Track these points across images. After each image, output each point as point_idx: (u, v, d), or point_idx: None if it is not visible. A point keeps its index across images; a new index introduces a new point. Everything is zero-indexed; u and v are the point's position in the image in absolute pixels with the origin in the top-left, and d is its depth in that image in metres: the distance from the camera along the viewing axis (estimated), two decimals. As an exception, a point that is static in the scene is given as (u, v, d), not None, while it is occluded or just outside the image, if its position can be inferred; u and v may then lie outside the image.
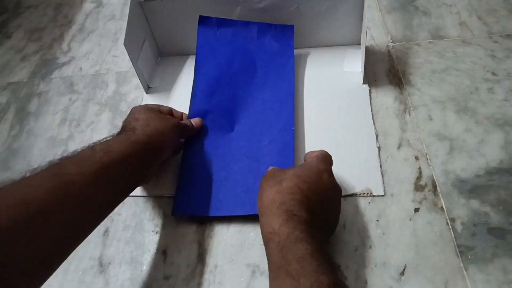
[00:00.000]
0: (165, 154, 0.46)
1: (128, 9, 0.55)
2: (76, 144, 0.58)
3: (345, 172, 0.47)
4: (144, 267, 0.44)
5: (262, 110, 0.53)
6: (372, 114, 0.53)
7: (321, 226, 0.36)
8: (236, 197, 0.46)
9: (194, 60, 0.58)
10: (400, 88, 0.56)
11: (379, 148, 0.49)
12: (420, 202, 0.44)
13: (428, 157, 0.48)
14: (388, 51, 0.61)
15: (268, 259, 0.33)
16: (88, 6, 0.86)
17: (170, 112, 0.51)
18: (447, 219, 0.43)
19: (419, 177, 0.46)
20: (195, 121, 0.51)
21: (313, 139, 0.51)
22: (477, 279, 0.38)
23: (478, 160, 0.47)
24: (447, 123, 0.51)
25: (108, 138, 0.39)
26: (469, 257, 0.40)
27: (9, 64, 0.75)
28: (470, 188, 0.45)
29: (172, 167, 0.51)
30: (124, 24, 0.57)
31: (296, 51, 0.60)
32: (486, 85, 0.54)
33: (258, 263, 0.42)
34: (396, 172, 0.47)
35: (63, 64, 0.73)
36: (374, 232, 0.43)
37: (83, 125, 0.61)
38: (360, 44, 0.61)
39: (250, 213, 0.44)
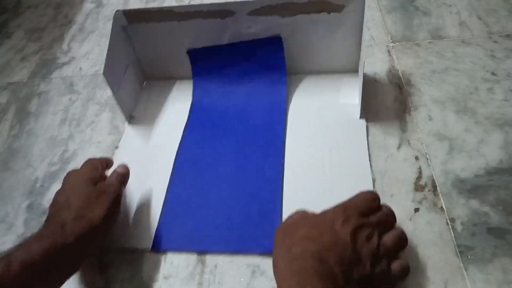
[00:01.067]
0: (100, 244, 0.43)
1: (110, 34, 0.52)
2: (76, 144, 0.58)
3: None
4: (144, 267, 0.44)
5: (249, 159, 0.51)
6: (369, 154, 0.48)
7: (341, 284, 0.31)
8: (218, 230, 0.44)
9: (185, 88, 0.60)
10: (399, 88, 0.56)
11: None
12: (420, 202, 0.44)
13: (428, 157, 0.48)
14: (388, 51, 0.61)
15: None
16: (88, 6, 0.86)
17: (109, 164, 0.47)
18: (447, 219, 0.43)
19: (419, 177, 0.46)
20: (118, 173, 0.44)
21: (302, 182, 0.47)
22: (476, 279, 0.38)
23: (478, 160, 0.47)
24: (447, 123, 0.51)
25: (31, 238, 0.35)
26: (469, 257, 0.40)
27: (9, 64, 0.75)
28: (470, 188, 0.45)
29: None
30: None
31: (289, 78, 0.57)
32: (486, 85, 0.54)
33: (258, 263, 0.42)
34: (396, 172, 0.47)
35: (63, 64, 0.73)
36: (374, 232, 0.43)
37: (83, 125, 0.61)
38: (358, 71, 0.56)
39: (234, 251, 0.43)
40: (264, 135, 0.52)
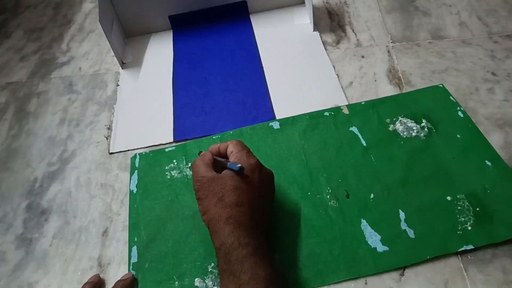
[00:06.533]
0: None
1: None
2: (75, 144, 0.58)
3: (313, 97, 0.57)
4: (143, 268, 0.44)
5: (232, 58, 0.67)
6: (326, 51, 0.62)
7: (264, 224, 0.40)
8: (224, 118, 0.57)
9: (162, 38, 0.73)
10: (400, 88, 0.56)
11: (338, 75, 0.58)
12: (420, 203, 0.44)
13: (428, 158, 0.48)
14: (388, 51, 0.61)
15: (218, 265, 0.36)
16: (87, 6, 0.85)
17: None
18: (447, 220, 0.43)
19: (419, 178, 0.46)
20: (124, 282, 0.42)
21: (281, 80, 0.60)
22: (476, 279, 0.38)
23: (478, 161, 0.47)
24: (447, 124, 0.51)
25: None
26: (469, 257, 0.40)
27: (8, 64, 0.75)
28: (470, 189, 0.45)
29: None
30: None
31: (250, 15, 0.71)
32: (486, 85, 0.54)
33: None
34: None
35: (62, 64, 0.73)
36: (374, 232, 0.43)
37: (82, 125, 0.61)
38: (304, 3, 0.71)
39: (242, 126, 0.55)
40: (241, 54, 0.67)
